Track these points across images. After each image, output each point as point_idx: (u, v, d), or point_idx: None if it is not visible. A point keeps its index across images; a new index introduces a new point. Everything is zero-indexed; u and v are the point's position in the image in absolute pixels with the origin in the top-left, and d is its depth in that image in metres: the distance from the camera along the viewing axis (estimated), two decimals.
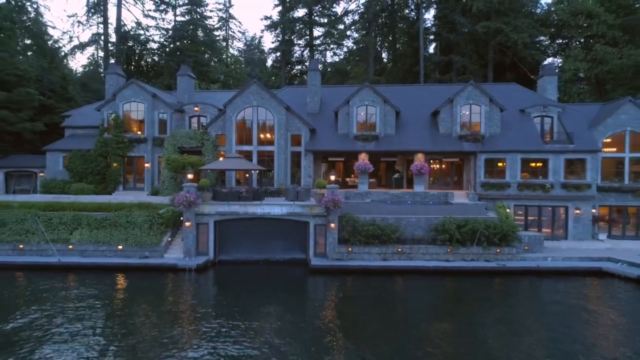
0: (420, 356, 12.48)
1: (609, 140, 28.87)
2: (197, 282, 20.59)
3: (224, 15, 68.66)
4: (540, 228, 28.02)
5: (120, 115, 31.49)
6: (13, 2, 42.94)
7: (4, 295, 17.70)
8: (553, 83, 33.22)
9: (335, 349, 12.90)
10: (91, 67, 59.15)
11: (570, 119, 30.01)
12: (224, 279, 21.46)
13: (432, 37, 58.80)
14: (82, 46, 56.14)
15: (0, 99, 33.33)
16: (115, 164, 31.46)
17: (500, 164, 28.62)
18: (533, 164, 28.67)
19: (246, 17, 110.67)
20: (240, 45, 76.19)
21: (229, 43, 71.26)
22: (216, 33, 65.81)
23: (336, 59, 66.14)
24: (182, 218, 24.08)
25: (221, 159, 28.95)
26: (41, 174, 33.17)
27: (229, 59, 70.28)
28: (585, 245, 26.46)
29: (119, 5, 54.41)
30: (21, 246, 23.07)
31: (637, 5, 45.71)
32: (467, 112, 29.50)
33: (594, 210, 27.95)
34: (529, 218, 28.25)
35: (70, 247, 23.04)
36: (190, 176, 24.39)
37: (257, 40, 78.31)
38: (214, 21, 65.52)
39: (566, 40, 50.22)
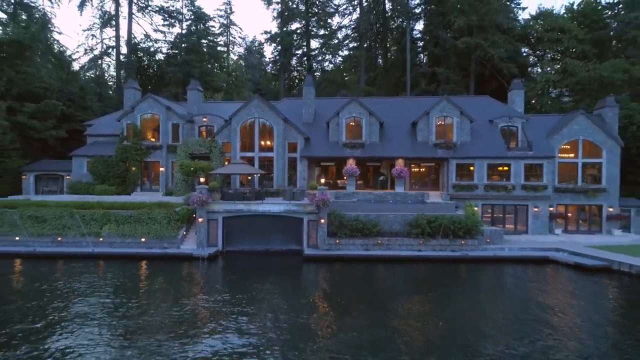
0: (388, 315, 16.74)
1: (567, 146, 33.12)
2: (209, 268, 24.83)
3: (225, 22, 72.93)
4: (505, 224, 32.27)
5: (138, 125, 35.75)
6: (36, 21, 47.21)
7: (53, 276, 21.92)
8: (520, 96, 37.48)
9: (325, 308, 17.11)
10: (96, 73, 63.10)
11: (533, 128, 34.28)
12: (232, 266, 25.67)
13: (420, 48, 62.97)
14: (96, 58, 60.53)
15: (31, 110, 37.62)
16: (133, 168, 35.72)
17: (470, 168, 32.87)
18: (500, 168, 32.94)
19: (246, 21, 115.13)
20: (241, 50, 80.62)
21: (230, 48, 75.55)
22: (217, 39, 69.93)
23: (332, 66, 70.56)
24: (195, 215, 28.32)
25: (227, 163, 33.20)
26: (67, 177, 37.39)
27: (230, 67, 74.45)
28: (542, 239, 30.65)
29: (129, 19, 58.72)
30: (59, 239, 27.31)
31: (612, 19, 50.07)
32: (442, 123, 33.78)
33: (551, 209, 32.21)
34: (495, 215, 32.52)
35: (101, 239, 27.28)
36: (202, 179, 28.61)
37: (257, 43, 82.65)
38: (216, 29, 69.80)
39: (542, 53, 54.57)
